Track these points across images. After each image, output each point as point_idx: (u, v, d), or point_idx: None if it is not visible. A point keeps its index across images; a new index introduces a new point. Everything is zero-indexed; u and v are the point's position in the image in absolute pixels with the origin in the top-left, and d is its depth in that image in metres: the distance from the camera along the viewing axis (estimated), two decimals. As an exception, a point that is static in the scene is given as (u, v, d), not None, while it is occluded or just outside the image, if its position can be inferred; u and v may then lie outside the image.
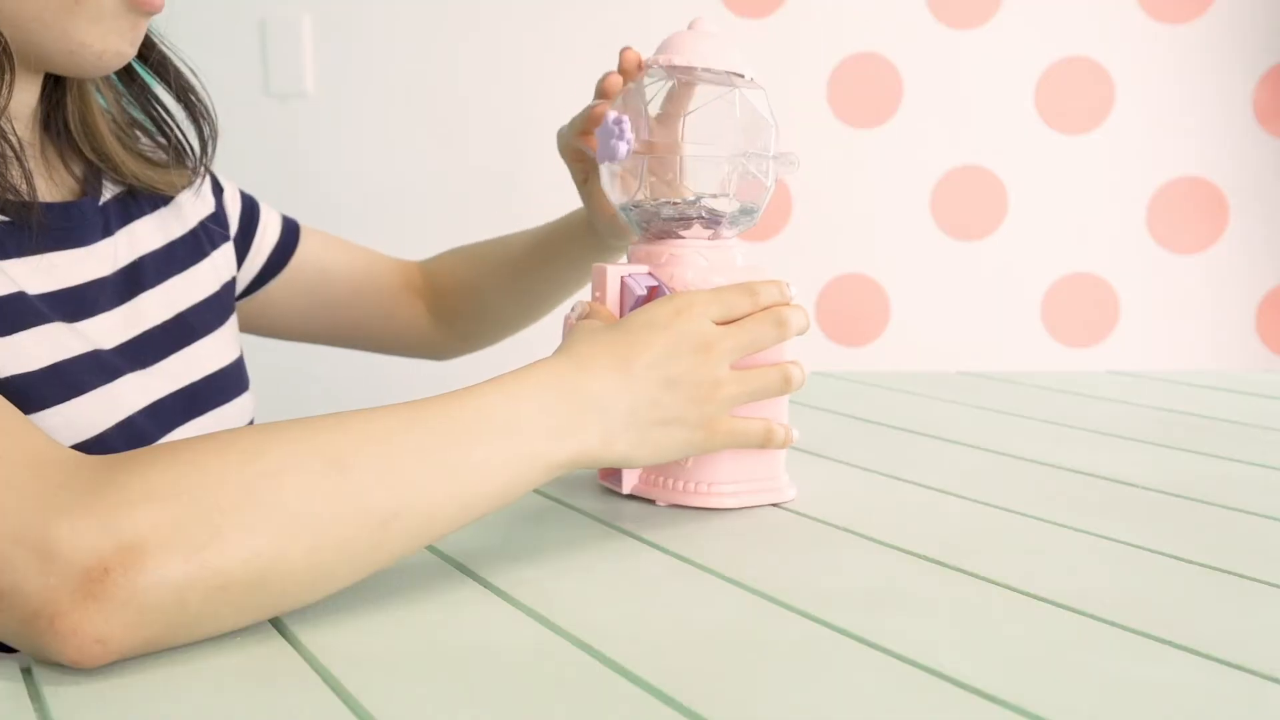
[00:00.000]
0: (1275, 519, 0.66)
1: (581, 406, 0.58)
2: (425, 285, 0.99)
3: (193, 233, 0.80)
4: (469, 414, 0.54)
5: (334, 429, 0.51)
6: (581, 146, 0.80)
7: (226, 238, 0.83)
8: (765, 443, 0.66)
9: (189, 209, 0.80)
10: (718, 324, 0.63)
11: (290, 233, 0.91)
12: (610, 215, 0.83)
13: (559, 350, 0.62)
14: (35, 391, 0.62)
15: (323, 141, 1.80)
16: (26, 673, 0.46)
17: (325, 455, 0.50)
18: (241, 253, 0.87)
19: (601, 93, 0.78)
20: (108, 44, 0.64)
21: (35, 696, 0.44)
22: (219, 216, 0.83)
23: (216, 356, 0.78)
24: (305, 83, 1.78)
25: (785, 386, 0.65)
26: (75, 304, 0.67)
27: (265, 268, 0.89)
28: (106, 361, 0.68)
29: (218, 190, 0.84)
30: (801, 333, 0.65)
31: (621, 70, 0.76)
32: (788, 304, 0.65)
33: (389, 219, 1.82)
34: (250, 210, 0.88)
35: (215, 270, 0.81)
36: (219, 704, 0.43)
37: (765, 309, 0.64)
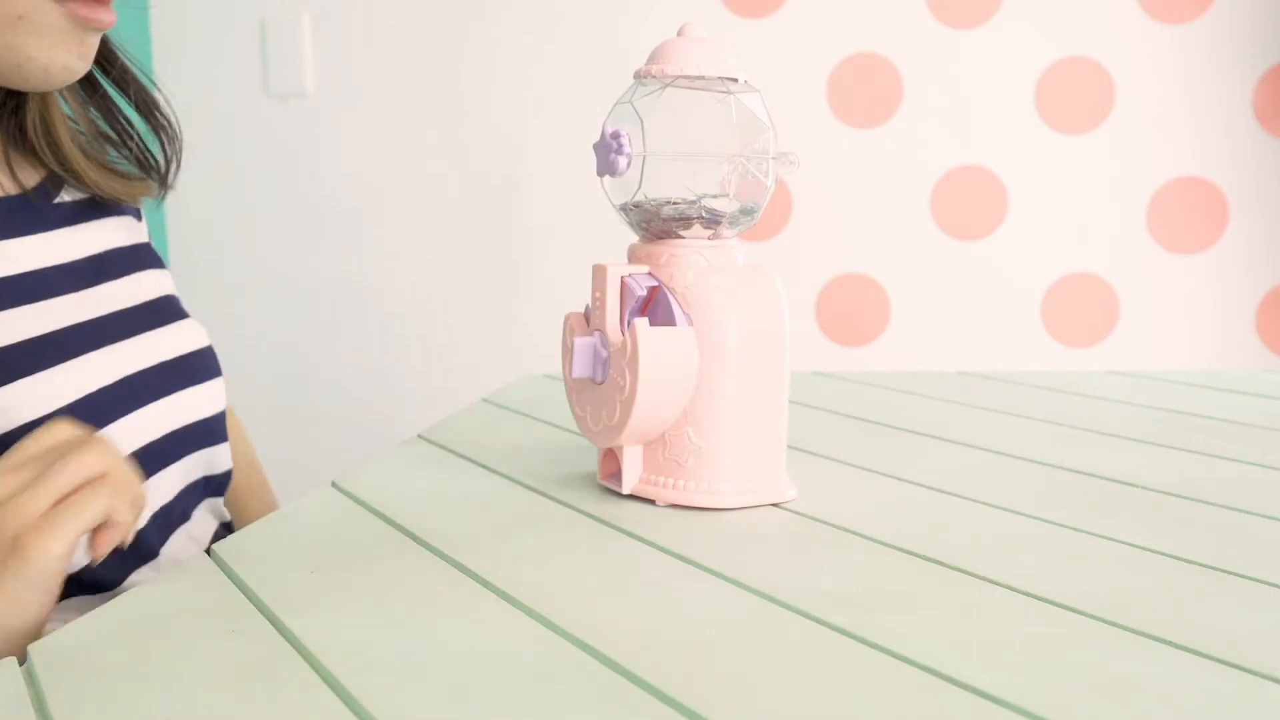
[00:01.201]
0: (1275, 519, 0.66)
1: None
2: None
3: (145, 245, 0.81)
4: None
5: None
6: None
7: (163, 266, 0.84)
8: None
9: (137, 229, 0.81)
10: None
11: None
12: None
13: None
14: None
15: (323, 141, 1.80)
16: (27, 673, 0.46)
17: None
18: None
19: None
20: (53, 58, 0.64)
21: (35, 696, 0.44)
22: (151, 249, 0.84)
23: (187, 340, 0.78)
24: (305, 83, 1.78)
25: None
26: (38, 286, 0.68)
27: None
28: (73, 336, 0.68)
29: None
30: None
31: None
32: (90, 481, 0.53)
33: (389, 219, 1.82)
34: None
35: (162, 281, 0.82)
36: (219, 703, 0.43)
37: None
